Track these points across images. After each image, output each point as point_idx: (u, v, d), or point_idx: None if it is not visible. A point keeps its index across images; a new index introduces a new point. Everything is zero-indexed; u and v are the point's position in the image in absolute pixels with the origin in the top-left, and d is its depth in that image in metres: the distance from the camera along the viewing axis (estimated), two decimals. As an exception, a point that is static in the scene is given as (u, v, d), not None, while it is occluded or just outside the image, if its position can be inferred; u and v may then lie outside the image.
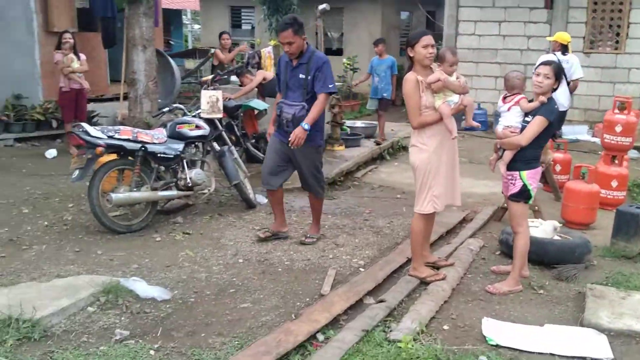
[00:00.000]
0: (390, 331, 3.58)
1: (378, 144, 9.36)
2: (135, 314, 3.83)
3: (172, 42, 22.03)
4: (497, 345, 3.49)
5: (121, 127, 5.54)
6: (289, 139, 4.81)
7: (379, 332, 3.56)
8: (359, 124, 10.63)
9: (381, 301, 4.00)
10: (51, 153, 8.62)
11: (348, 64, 14.53)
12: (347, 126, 9.95)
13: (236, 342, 3.46)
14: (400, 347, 3.33)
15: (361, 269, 4.69)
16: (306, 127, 4.80)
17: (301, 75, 4.90)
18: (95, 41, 10.95)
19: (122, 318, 3.77)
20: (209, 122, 6.04)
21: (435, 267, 4.58)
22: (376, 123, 10.00)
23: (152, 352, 3.35)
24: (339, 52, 16.66)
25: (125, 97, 8.62)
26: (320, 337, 3.55)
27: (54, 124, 9.51)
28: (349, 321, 3.73)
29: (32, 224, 5.59)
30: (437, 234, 5.39)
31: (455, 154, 4.35)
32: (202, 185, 5.86)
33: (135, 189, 5.41)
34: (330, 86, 4.88)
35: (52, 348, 3.34)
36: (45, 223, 5.62)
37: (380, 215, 6.22)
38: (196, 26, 26.52)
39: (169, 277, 4.41)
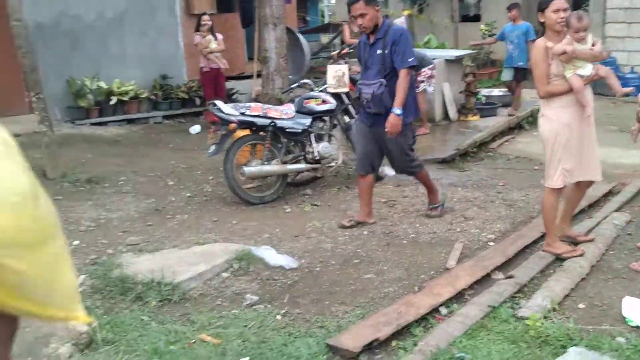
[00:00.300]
0: (519, 308, 3.42)
1: (511, 115, 8.88)
2: (265, 280, 4.00)
3: (308, 19, 22.37)
4: (638, 327, 3.21)
5: (252, 104, 5.78)
6: (386, 130, 4.64)
7: (505, 309, 3.41)
8: (495, 92, 10.16)
9: (510, 277, 3.84)
10: (195, 129, 9.20)
11: (486, 30, 13.88)
12: (483, 95, 9.56)
13: (358, 312, 3.49)
14: (528, 325, 3.18)
15: (490, 243, 4.52)
16: (398, 112, 4.59)
17: (378, 52, 4.69)
18: (234, 21, 11.44)
19: (253, 284, 3.95)
20: (336, 96, 6.08)
21: (574, 242, 4.29)
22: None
23: (278, 317, 3.48)
24: (476, 19, 15.98)
25: (259, 75, 8.94)
26: (444, 310, 3.49)
27: (197, 101, 10.12)
28: (474, 296, 3.62)
29: (176, 195, 6.02)
30: (579, 208, 5.03)
31: (591, 125, 3.98)
32: (329, 158, 5.95)
33: (266, 163, 5.63)
34: (409, 60, 4.62)
35: (189, 310, 3.58)
36: (188, 194, 6.03)
37: (515, 188, 5.94)
38: (333, 0, 26.70)
39: (297, 247, 4.55)
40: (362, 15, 4.62)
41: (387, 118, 4.64)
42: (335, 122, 6.23)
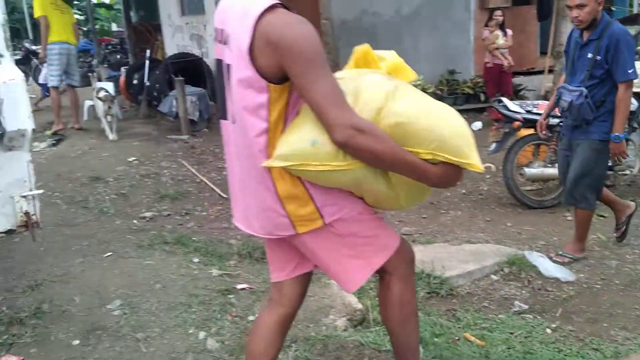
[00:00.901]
0: None
1: None
2: (537, 290, 3.84)
3: (613, 9, 20.32)
4: None
5: (539, 102, 5.52)
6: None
7: None
8: None
9: None
10: (476, 125, 9.10)
11: None
12: None
13: (642, 341, 3.15)
14: None
15: None
16: (617, 138, 3.88)
17: (589, 55, 3.88)
18: (529, 14, 10.97)
19: (523, 291, 3.83)
20: (638, 95, 5.44)
21: None
22: None
23: (548, 330, 3.33)
24: None
25: (550, 71, 8.45)
26: None
27: (482, 97, 10.00)
28: None
29: (452, 190, 6.07)
30: None
31: None
32: (624, 165, 5.37)
33: (549, 165, 5.34)
34: (630, 71, 3.77)
35: (456, 307, 3.63)
36: (463, 191, 6.05)
37: None
38: (645, -13, 23.72)
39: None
40: (579, 7, 3.82)
41: (585, 129, 4.02)
42: (636, 124, 5.58)
